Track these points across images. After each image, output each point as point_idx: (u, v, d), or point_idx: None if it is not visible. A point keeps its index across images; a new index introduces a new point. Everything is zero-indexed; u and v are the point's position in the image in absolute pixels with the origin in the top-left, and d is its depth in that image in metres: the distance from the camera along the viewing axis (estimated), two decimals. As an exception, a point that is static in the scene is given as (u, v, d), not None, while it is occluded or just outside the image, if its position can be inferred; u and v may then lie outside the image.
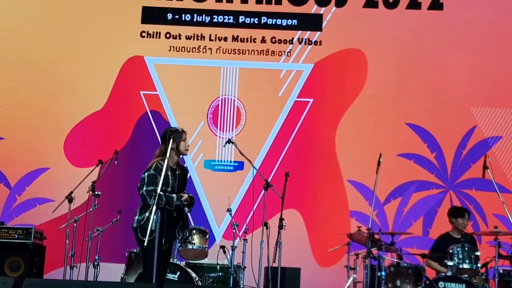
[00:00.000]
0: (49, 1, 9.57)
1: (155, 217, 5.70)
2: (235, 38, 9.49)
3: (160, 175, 5.91)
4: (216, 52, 9.46)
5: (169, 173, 6.08)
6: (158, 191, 5.74)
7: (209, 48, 9.47)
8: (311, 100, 9.34)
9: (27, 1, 9.56)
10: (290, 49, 9.42)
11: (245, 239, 7.69)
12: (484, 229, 8.78)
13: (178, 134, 6.17)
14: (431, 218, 9.03)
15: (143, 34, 9.50)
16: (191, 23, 9.53)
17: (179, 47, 9.48)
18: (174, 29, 9.51)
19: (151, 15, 9.54)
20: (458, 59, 9.30)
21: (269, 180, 7.37)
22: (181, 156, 6.33)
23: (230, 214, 7.89)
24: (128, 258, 7.47)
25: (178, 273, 7.19)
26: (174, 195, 6.01)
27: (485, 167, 7.07)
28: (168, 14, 9.54)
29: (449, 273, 6.97)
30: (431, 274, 7.41)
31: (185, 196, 6.09)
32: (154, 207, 5.64)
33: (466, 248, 7.06)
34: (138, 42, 9.49)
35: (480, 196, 8.98)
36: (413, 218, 9.05)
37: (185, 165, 6.46)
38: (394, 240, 7.46)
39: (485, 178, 7.12)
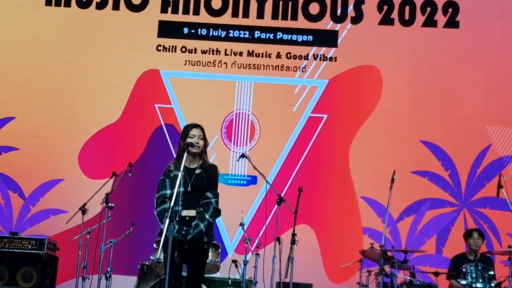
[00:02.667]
0: (66, 15, 9.64)
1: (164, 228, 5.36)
2: (250, 53, 9.52)
3: (169, 178, 5.74)
4: (231, 67, 9.50)
5: (180, 173, 5.55)
6: (174, 194, 5.41)
7: (225, 63, 9.51)
8: (325, 116, 9.34)
9: (43, 14, 9.64)
10: (305, 65, 9.44)
11: (257, 254, 7.67)
12: (498, 248, 8.72)
13: (185, 130, 5.88)
14: (445, 236, 8.99)
15: (159, 48, 9.56)
16: (207, 37, 9.58)
17: (195, 61, 9.53)
18: (190, 43, 9.56)
19: (167, 29, 9.60)
20: (474, 77, 9.28)
21: (282, 195, 7.39)
22: (197, 153, 5.79)
23: (243, 229, 7.88)
24: (140, 270, 7.47)
25: (190, 286, 7.16)
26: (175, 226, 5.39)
27: (499, 186, 7.03)
28: (184, 28, 9.60)
29: (462, 292, 6.95)
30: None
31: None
32: (167, 221, 5.28)
33: (479, 267, 7.04)
34: (154, 55, 9.54)
35: (494, 215, 8.93)
36: (426, 236, 9.01)
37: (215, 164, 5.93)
38: (407, 258, 7.46)
39: (499, 197, 7.08)
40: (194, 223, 5.64)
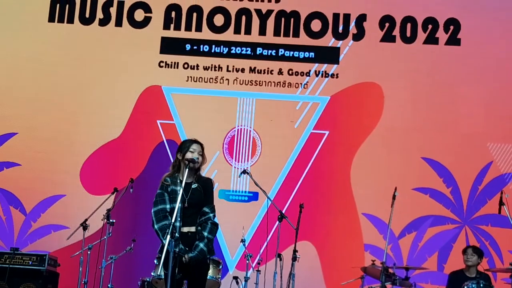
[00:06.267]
0: (69, 31, 9.69)
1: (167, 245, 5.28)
2: (252, 70, 9.55)
3: (167, 192, 5.69)
4: (233, 83, 9.52)
5: (178, 187, 5.59)
6: (176, 210, 5.36)
7: (226, 79, 9.54)
8: (327, 133, 9.36)
9: (46, 30, 9.69)
10: (307, 82, 9.46)
11: (258, 270, 7.66)
12: (499, 265, 8.70)
13: (185, 144, 5.85)
14: (446, 253, 8.96)
15: (162, 64, 9.59)
16: (209, 54, 9.61)
17: (197, 78, 9.55)
18: (192, 60, 9.59)
19: (169, 45, 9.63)
20: (475, 94, 9.29)
21: (283, 212, 7.39)
22: (195, 168, 5.80)
23: (244, 245, 7.87)
24: (141, 287, 7.46)
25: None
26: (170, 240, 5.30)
27: (501, 203, 7.02)
28: (187, 45, 9.63)
29: (464, 310, 6.93)
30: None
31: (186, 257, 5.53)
32: (168, 237, 5.24)
33: (481, 285, 7.02)
34: (156, 72, 9.57)
35: (496, 232, 8.91)
36: (428, 253, 8.98)
37: (210, 177, 5.93)
38: (408, 275, 7.42)
39: (501, 214, 7.07)
40: (195, 244, 5.61)
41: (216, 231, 5.78)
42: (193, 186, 5.75)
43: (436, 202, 9.08)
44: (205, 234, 5.66)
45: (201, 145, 5.90)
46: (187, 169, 5.63)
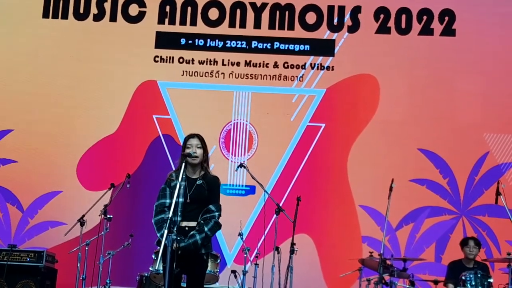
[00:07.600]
0: (63, 27, 9.67)
1: (163, 239, 5.24)
2: (247, 63, 9.54)
3: (170, 187, 5.69)
4: (229, 77, 9.52)
5: (179, 184, 5.44)
6: (173, 205, 5.32)
7: (222, 73, 9.53)
8: (323, 125, 9.35)
9: (41, 27, 9.66)
10: (303, 74, 9.46)
11: (256, 264, 7.67)
12: (497, 255, 8.72)
13: (184, 141, 5.82)
14: (444, 244, 8.98)
15: (157, 59, 9.58)
16: (204, 48, 9.60)
17: (192, 72, 9.54)
18: (187, 54, 9.58)
19: (164, 40, 9.62)
20: (471, 85, 9.29)
21: (280, 205, 7.40)
22: (198, 163, 5.73)
23: (242, 239, 7.87)
24: (139, 281, 7.46)
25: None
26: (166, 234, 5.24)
27: (498, 193, 7.02)
28: (182, 39, 9.62)
29: (462, 300, 6.95)
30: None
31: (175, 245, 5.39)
32: (166, 231, 5.21)
33: (479, 275, 7.04)
34: (152, 66, 9.56)
35: (493, 223, 8.93)
36: (425, 244, 9.01)
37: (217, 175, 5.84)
38: (406, 266, 7.44)
39: (498, 205, 7.08)
40: (191, 233, 5.59)
41: (217, 230, 5.74)
42: (198, 182, 5.73)
43: (433, 193, 9.09)
44: (206, 229, 5.61)
45: (199, 137, 5.85)
46: (183, 164, 5.61)
